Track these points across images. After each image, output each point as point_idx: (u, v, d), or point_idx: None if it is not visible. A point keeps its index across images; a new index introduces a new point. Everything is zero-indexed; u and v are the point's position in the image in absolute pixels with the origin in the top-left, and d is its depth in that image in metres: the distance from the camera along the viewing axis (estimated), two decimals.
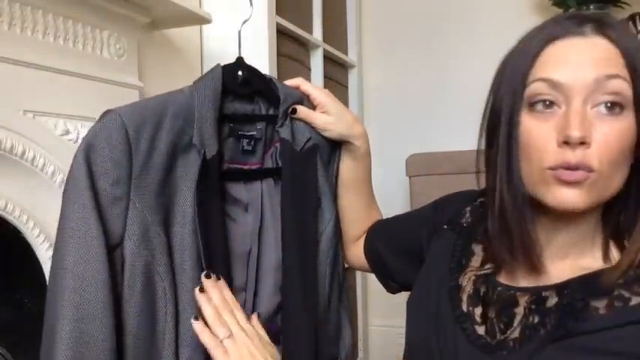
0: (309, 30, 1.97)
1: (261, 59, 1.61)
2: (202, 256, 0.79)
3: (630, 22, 1.84)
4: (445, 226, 0.87)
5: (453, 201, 0.92)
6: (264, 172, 0.91)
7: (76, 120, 1.14)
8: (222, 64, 0.87)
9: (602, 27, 0.69)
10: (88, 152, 0.74)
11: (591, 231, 0.73)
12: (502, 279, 0.76)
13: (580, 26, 0.69)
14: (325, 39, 2.07)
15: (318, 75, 2.01)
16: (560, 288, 0.70)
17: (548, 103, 0.69)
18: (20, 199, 1.04)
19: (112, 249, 0.74)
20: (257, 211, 0.90)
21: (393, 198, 2.25)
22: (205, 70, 1.65)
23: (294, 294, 0.87)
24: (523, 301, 0.72)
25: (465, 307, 0.77)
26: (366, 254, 1.00)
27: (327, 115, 0.94)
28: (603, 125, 0.66)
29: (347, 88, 2.34)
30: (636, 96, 0.66)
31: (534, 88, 0.69)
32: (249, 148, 0.90)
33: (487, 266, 0.79)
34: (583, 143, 0.66)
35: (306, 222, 0.90)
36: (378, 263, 0.99)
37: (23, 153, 1.02)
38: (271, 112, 0.92)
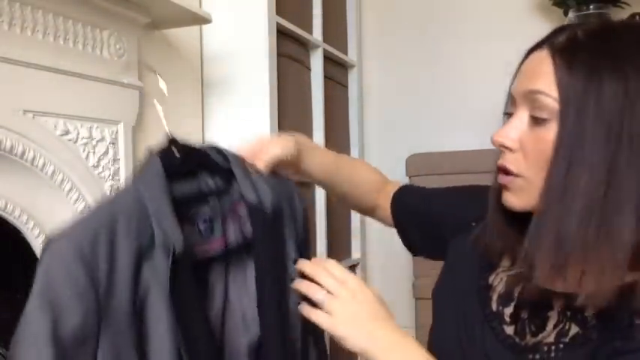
0: (309, 30, 1.97)
1: (261, 59, 1.61)
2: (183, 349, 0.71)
3: None
4: (474, 224, 0.88)
5: (484, 197, 0.90)
6: (230, 252, 0.83)
7: (76, 120, 1.14)
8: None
9: (557, 41, 0.71)
10: (48, 296, 0.64)
11: None
12: (537, 280, 0.75)
13: (545, 40, 0.73)
14: (325, 39, 2.07)
15: (318, 75, 2.01)
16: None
17: (509, 114, 0.75)
18: (20, 199, 1.04)
19: None
20: (221, 293, 0.82)
21: None
22: (206, 70, 1.66)
23: None
24: (557, 305, 0.72)
25: (494, 306, 0.78)
26: (393, 217, 1.02)
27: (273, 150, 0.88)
28: (530, 133, 0.71)
29: (347, 88, 2.34)
30: (560, 110, 0.68)
31: (508, 100, 0.77)
32: (205, 228, 0.82)
33: (517, 266, 0.78)
34: (507, 148, 0.73)
35: (283, 292, 0.82)
36: (403, 231, 1.02)
37: (23, 153, 1.02)
38: (219, 183, 0.83)
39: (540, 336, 0.72)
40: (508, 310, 0.77)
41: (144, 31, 1.35)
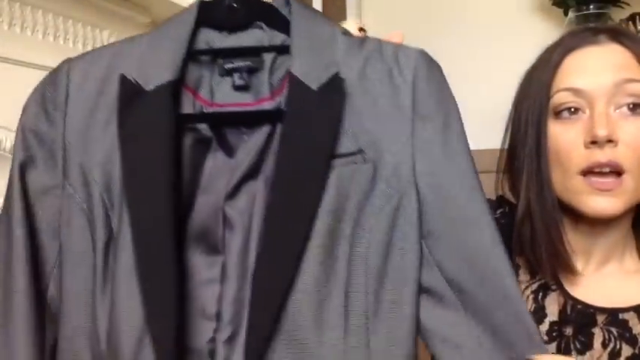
0: None
1: None
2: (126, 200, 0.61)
3: (630, 22, 1.84)
4: None
5: None
6: (257, 115, 0.67)
7: None
8: None
9: (615, 35, 0.72)
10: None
11: (627, 231, 0.74)
12: (574, 292, 0.72)
13: (595, 36, 0.72)
14: None
15: None
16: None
17: (573, 110, 0.71)
18: None
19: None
20: (250, 159, 0.65)
21: None
22: None
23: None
24: (600, 321, 0.70)
25: None
26: None
27: None
28: (628, 125, 0.68)
29: None
30: None
31: (558, 97, 0.72)
32: (242, 82, 0.68)
33: (538, 277, 0.76)
34: (610, 142, 0.67)
35: (306, 189, 0.60)
36: None
37: None
38: (286, 42, 0.69)
39: (588, 354, 0.68)
40: (543, 328, 0.72)
41: (144, 31, 1.35)
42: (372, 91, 0.65)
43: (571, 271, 0.72)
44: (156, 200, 0.60)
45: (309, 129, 0.61)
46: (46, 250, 0.65)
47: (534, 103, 0.74)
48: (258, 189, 0.65)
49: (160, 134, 0.62)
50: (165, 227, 0.60)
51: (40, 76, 1.07)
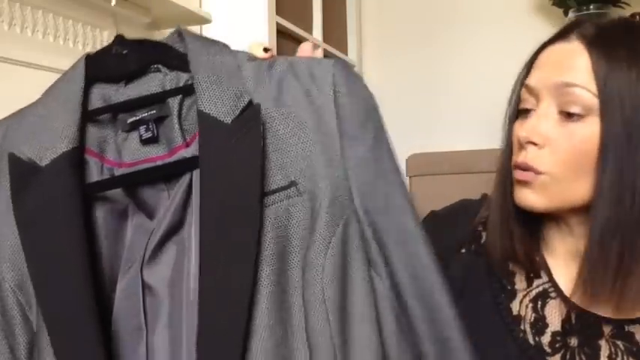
0: (309, 30, 1.97)
1: None
2: (34, 291, 0.54)
3: None
4: (463, 250, 0.81)
5: (454, 219, 0.86)
6: (173, 167, 0.60)
7: None
8: None
9: (586, 32, 0.67)
10: None
11: None
12: (576, 299, 0.70)
13: (569, 31, 0.69)
14: (325, 39, 2.07)
15: None
16: None
17: (527, 109, 0.70)
18: None
19: None
20: (168, 218, 0.59)
21: None
22: None
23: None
24: (606, 332, 0.69)
25: (531, 339, 0.71)
26: None
27: None
28: (561, 129, 0.66)
29: None
30: (602, 105, 0.64)
31: (521, 95, 0.72)
32: (149, 134, 0.60)
33: (535, 284, 0.74)
34: (533, 144, 0.67)
35: (240, 233, 0.53)
36: None
37: None
38: (188, 82, 0.62)
39: None
40: (545, 339, 0.71)
41: (144, 31, 1.35)
42: (292, 117, 0.59)
43: (533, 266, 0.73)
44: (70, 295, 0.53)
45: (231, 169, 0.54)
46: None
47: (509, 100, 0.74)
48: (181, 249, 0.58)
49: (64, 214, 0.54)
50: (84, 326, 0.53)
51: (40, 76, 1.08)
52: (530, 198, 0.69)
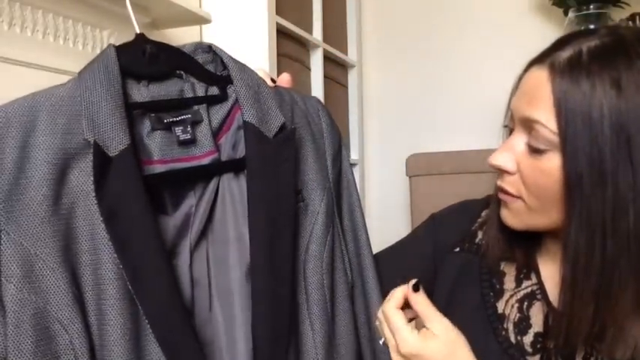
0: (309, 30, 1.97)
1: (261, 59, 1.61)
2: (131, 287, 0.58)
3: (630, 22, 1.84)
4: (457, 249, 0.83)
5: (452, 219, 0.88)
6: (218, 166, 0.70)
7: None
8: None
9: (559, 60, 0.65)
10: None
11: None
12: (558, 306, 0.71)
13: (548, 54, 0.67)
14: (325, 39, 2.07)
15: (318, 75, 2.01)
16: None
17: (510, 131, 0.72)
18: None
19: None
20: (201, 216, 0.68)
21: (393, 198, 2.24)
22: None
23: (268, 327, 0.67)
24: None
25: (512, 338, 0.73)
26: None
27: None
28: (528, 160, 0.67)
29: (347, 88, 2.34)
30: (562, 143, 0.63)
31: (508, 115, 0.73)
32: (187, 136, 0.67)
33: (524, 285, 0.75)
34: (503, 171, 0.70)
35: (283, 227, 0.68)
36: None
37: None
38: (210, 91, 0.72)
39: None
40: (527, 339, 0.72)
41: (143, 30, 1.35)
42: (300, 137, 0.75)
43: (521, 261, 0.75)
44: (163, 293, 0.61)
45: (274, 174, 0.68)
46: None
47: (507, 107, 0.74)
48: (212, 241, 0.70)
49: (139, 207, 0.59)
50: (180, 318, 0.62)
51: (40, 76, 1.08)
52: (508, 218, 0.72)
